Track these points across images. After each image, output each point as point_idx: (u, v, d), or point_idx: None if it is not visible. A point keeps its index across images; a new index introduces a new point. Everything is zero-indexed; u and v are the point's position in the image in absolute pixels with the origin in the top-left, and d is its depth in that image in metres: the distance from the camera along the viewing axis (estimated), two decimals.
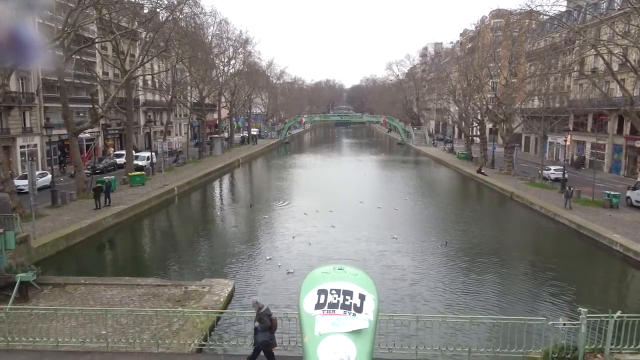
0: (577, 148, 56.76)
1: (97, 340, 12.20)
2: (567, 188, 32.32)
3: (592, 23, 43.30)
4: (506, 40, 57.13)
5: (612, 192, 32.29)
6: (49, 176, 35.43)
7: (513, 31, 53.39)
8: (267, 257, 22.43)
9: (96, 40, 40.20)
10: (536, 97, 53.21)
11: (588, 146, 54.54)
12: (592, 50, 36.44)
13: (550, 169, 45.61)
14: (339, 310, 2.94)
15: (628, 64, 32.42)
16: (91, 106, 41.42)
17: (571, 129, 51.09)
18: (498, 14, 69.09)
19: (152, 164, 46.25)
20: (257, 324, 10.74)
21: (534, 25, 54.17)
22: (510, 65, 53.24)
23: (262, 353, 10.84)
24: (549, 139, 59.35)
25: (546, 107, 50.00)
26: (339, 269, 3.13)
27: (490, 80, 55.05)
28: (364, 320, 2.95)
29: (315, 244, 24.79)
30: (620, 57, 33.71)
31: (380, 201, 37.07)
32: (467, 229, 28.72)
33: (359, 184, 46.59)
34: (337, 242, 25.32)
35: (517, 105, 51.67)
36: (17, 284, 15.06)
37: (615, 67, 39.07)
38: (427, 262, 22.28)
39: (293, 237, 25.93)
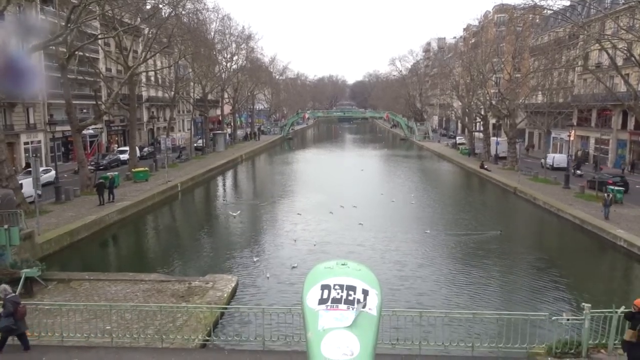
0: (581, 143, 56.58)
1: (102, 335, 12.26)
2: (606, 195, 27.74)
3: (596, 17, 43.11)
4: (510, 35, 56.88)
5: (615, 187, 32.18)
6: (53, 172, 35.53)
7: (517, 26, 53.16)
8: (255, 259, 21.50)
9: (99, 36, 40.22)
10: (540, 92, 53.04)
11: (592, 141, 54.38)
12: (596, 44, 36.28)
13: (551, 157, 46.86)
14: (342, 306, 2.94)
15: (632, 59, 32.26)
16: (94, 102, 41.55)
17: (575, 124, 50.97)
18: (502, 8, 68.77)
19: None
20: (0, 309, 11.30)
21: (537, 20, 54.01)
22: (514, 60, 53.02)
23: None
24: (553, 134, 59.20)
25: (550, 102, 49.86)
26: (342, 264, 3.13)
27: (494, 76, 54.86)
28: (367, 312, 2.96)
29: (361, 248, 23.46)
30: (625, 52, 33.52)
31: (390, 195, 37.52)
32: (471, 223, 28.70)
33: (364, 179, 46.62)
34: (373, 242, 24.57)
35: (520, 101, 51.52)
36: (22, 279, 15.16)
37: (619, 62, 38.85)
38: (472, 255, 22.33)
39: (295, 241, 24.54)
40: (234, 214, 29.89)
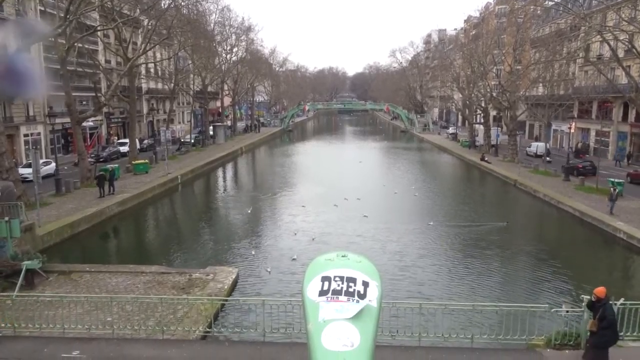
0: (581, 135, 56.50)
1: (103, 327, 12.31)
2: (612, 190, 26.95)
3: (597, 9, 42.92)
4: (511, 26, 56.69)
5: (616, 180, 32.14)
6: (53, 164, 35.53)
7: (518, 17, 52.99)
8: (252, 252, 21.50)
9: (98, 28, 40.05)
10: (540, 84, 52.93)
11: (592, 133, 54.29)
12: (598, 36, 36.12)
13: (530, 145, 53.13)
14: (342, 297, 2.94)
15: (634, 50, 32.13)
16: (94, 94, 41.46)
17: (575, 116, 50.87)
18: (503, 0, 68.44)
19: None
20: None
21: (539, 11, 53.79)
22: (515, 52, 52.81)
23: None
24: (553, 126, 59.09)
25: (550, 94, 49.75)
26: (342, 256, 3.13)
27: (495, 67, 54.72)
28: (367, 303, 2.97)
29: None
30: (626, 44, 33.40)
31: (391, 187, 37.85)
32: (471, 215, 28.73)
33: (365, 171, 46.62)
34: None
35: (521, 93, 51.39)
36: (23, 271, 15.19)
37: (620, 54, 38.71)
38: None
39: (295, 234, 24.44)
40: (249, 210, 29.84)
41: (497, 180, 42.26)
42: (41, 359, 11.04)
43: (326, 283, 2.98)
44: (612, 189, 27.32)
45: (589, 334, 10.40)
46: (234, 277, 17.03)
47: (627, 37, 32.31)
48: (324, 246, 21.87)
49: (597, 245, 24.30)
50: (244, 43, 73.73)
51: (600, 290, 10.20)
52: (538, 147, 53.51)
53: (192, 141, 59.98)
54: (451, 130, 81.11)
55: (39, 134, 45.00)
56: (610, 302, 10.38)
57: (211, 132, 67.04)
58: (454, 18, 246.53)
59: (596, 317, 10.03)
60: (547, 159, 46.00)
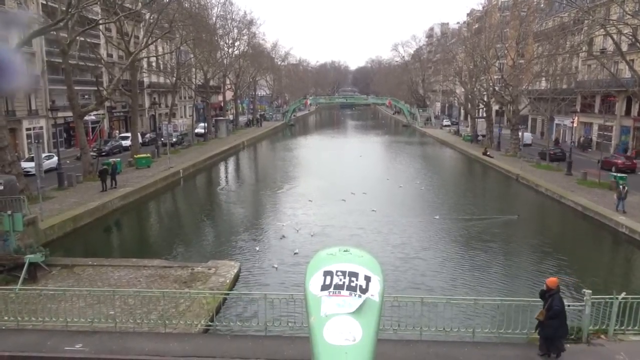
0: (584, 130, 56.32)
1: (106, 320, 12.37)
2: (621, 187, 25.74)
3: (601, 2, 42.62)
4: (514, 20, 56.45)
5: (618, 174, 32.02)
6: (55, 158, 35.58)
7: (521, 11, 52.73)
8: (257, 248, 21.47)
9: (100, 21, 39.98)
10: (543, 78, 52.71)
11: (595, 128, 54.12)
12: (601, 30, 35.91)
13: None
14: (344, 292, 2.95)
15: (637, 44, 31.99)
16: (96, 88, 41.43)
17: (578, 110, 50.66)
18: None
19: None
20: None
21: (542, 5, 53.50)
22: (518, 45, 52.59)
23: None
24: (556, 121, 58.92)
25: (553, 89, 49.54)
26: (344, 251, 3.13)
27: (497, 61, 54.52)
28: (369, 298, 2.98)
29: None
30: (630, 37, 33.21)
31: (395, 181, 37.90)
32: (472, 209, 28.73)
33: (368, 165, 46.61)
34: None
35: (524, 87, 51.22)
36: (26, 265, 15.25)
37: (624, 47, 38.49)
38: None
39: (297, 230, 24.01)
40: (283, 224, 25.97)
41: (500, 174, 42.19)
42: (44, 352, 11.10)
43: (328, 277, 2.99)
44: (621, 186, 26.28)
45: (537, 322, 10.73)
46: (235, 271, 17.08)
47: (631, 30, 32.14)
48: (333, 240, 21.87)
49: (599, 239, 24.28)
50: (245, 37, 73.71)
51: (550, 281, 10.62)
52: (525, 136, 55.43)
53: (176, 140, 52.96)
54: (445, 122, 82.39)
55: (41, 127, 45.01)
56: (561, 293, 10.68)
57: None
58: (456, 11, 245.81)
59: (545, 307, 10.40)
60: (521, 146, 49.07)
